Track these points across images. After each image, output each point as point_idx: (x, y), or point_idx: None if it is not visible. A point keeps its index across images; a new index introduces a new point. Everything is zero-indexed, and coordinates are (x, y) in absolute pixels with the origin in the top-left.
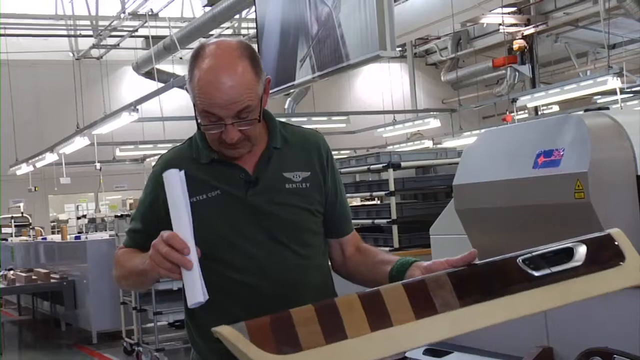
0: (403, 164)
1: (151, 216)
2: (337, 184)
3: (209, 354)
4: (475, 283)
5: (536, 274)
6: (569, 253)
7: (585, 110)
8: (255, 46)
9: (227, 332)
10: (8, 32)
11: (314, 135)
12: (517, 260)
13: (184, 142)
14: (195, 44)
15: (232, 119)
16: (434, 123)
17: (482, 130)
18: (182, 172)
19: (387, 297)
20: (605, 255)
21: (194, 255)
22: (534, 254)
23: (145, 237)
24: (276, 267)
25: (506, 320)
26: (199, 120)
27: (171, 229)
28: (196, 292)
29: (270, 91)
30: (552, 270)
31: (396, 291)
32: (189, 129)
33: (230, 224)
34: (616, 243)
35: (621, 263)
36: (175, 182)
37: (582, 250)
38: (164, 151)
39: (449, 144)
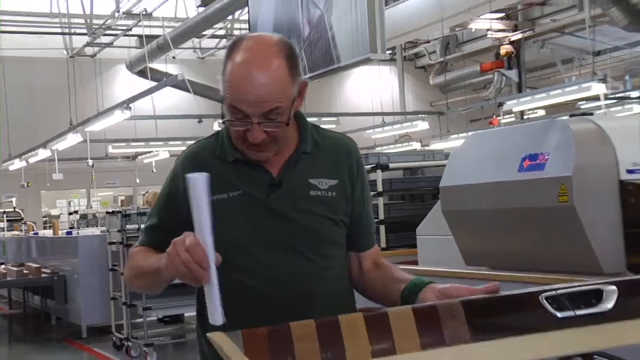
0: (391, 165)
1: (169, 210)
2: (365, 195)
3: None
4: (491, 317)
5: (559, 315)
6: (597, 294)
7: (570, 116)
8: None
9: (221, 341)
10: (3, 28)
11: (347, 141)
12: (540, 297)
13: (209, 136)
14: (188, 44)
15: (259, 118)
16: (422, 125)
17: (469, 134)
18: (207, 175)
19: (394, 322)
20: (636, 302)
21: (212, 269)
22: (558, 292)
23: (162, 233)
24: (287, 275)
25: None
26: (224, 115)
27: (190, 226)
28: (215, 312)
29: None
30: (576, 313)
31: (405, 315)
32: (181, 128)
33: (247, 226)
34: None
35: None
36: (200, 186)
37: (611, 294)
38: (156, 149)
39: (436, 146)
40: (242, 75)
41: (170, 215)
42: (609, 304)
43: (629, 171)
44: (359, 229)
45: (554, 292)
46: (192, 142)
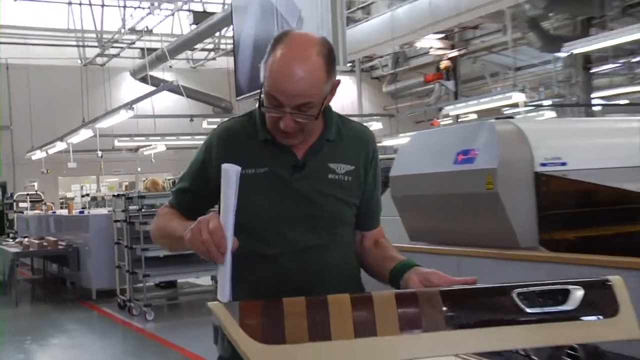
0: None
1: (201, 177)
2: (376, 181)
3: None
4: (466, 307)
5: (528, 310)
6: (564, 295)
7: (496, 119)
8: (232, 59)
9: (219, 310)
10: (28, 41)
11: (366, 132)
12: (512, 293)
13: (243, 115)
14: (182, 56)
15: (292, 109)
16: (376, 125)
17: (414, 133)
18: (239, 168)
19: (378, 305)
20: (600, 303)
21: (228, 253)
22: (530, 289)
23: (192, 196)
24: (302, 248)
25: (489, 350)
26: (262, 100)
27: (217, 193)
28: (224, 291)
29: (244, 95)
30: (544, 310)
31: (388, 300)
32: (175, 125)
33: (270, 201)
34: (614, 292)
35: (614, 315)
36: (232, 177)
37: (578, 294)
38: (155, 143)
39: (388, 142)
40: (282, 68)
41: (201, 182)
42: (574, 304)
43: (542, 164)
44: (367, 211)
45: (525, 289)
46: (185, 136)
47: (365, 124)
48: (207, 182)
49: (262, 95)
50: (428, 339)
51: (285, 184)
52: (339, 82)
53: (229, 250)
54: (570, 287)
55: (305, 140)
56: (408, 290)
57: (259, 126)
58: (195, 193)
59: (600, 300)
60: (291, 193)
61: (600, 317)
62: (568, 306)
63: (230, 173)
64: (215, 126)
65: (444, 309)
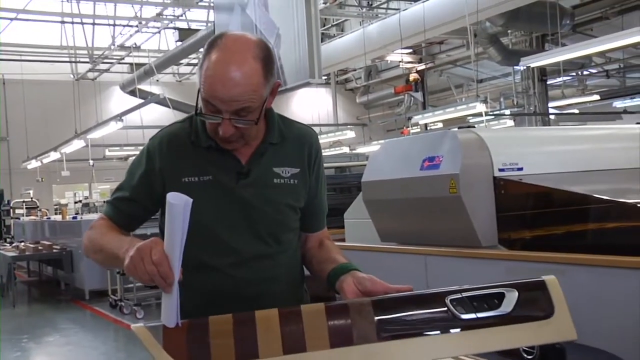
0: (326, 165)
1: (144, 185)
2: (319, 182)
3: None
4: (399, 317)
5: (463, 316)
6: (499, 298)
7: (459, 128)
8: None
9: (141, 333)
10: (23, 58)
11: (309, 132)
12: (446, 300)
13: (184, 120)
14: (169, 70)
15: (230, 114)
16: (350, 134)
17: (384, 141)
18: (191, 201)
19: (307, 319)
20: (534, 305)
21: (175, 284)
22: (463, 294)
23: (133, 205)
24: (247, 257)
25: None
26: (199, 106)
27: (162, 201)
28: (170, 316)
29: None
30: (478, 315)
31: (317, 313)
32: None
33: (215, 209)
34: (549, 293)
35: (549, 316)
36: (181, 210)
37: (512, 297)
38: None
39: (361, 150)
40: (217, 73)
41: (144, 191)
42: (508, 307)
43: (500, 169)
44: (310, 212)
45: (459, 294)
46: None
47: (340, 132)
48: (151, 191)
49: (199, 102)
50: (359, 353)
51: (230, 191)
52: (279, 84)
53: (176, 281)
54: (504, 290)
55: (248, 144)
56: (338, 302)
57: (201, 132)
58: (137, 202)
59: (535, 302)
60: (236, 200)
61: (535, 319)
62: (502, 310)
63: (180, 206)
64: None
65: (376, 319)
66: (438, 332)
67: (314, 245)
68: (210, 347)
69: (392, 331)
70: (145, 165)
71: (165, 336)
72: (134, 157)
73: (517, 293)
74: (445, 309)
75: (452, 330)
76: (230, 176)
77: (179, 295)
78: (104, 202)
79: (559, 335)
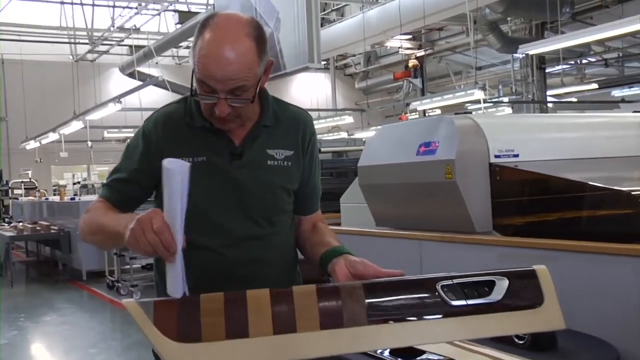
0: (323, 149)
1: (142, 164)
2: (312, 164)
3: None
4: (389, 301)
5: (453, 303)
6: (489, 286)
7: (455, 114)
8: None
9: (132, 308)
10: (23, 38)
11: (303, 115)
12: (437, 286)
13: (179, 101)
14: (168, 53)
15: (226, 94)
16: (348, 119)
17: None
18: (189, 164)
19: (298, 300)
20: (524, 294)
21: (179, 252)
22: (454, 281)
23: (131, 186)
24: (240, 238)
25: (412, 345)
26: (194, 87)
27: (160, 181)
28: (176, 286)
29: None
30: (468, 302)
31: (308, 295)
32: None
33: (208, 190)
34: (539, 282)
35: (538, 305)
36: (178, 173)
37: (502, 285)
38: None
39: (359, 135)
40: (212, 53)
41: (142, 171)
42: (499, 295)
43: (496, 156)
44: (303, 195)
45: (450, 281)
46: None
47: (338, 117)
48: (150, 169)
49: (194, 83)
50: (348, 335)
51: (224, 172)
52: (272, 62)
53: (179, 249)
54: (495, 278)
55: (243, 124)
56: (330, 284)
57: (195, 113)
58: (135, 183)
59: (525, 290)
60: (229, 181)
61: (525, 308)
62: (493, 298)
63: (177, 168)
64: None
65: (366, 302)
66: (428, 317)
67: (308, 228)
68: (201, 325)
69: (382, 315)
70: (143, 146)
71: (156, 312)
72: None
73: (507, 281)
74: (436, 294)
75: (441, 316)
76: (224, 157)
77: (183, 263)
78: (102, 184)
79: (547, 324)
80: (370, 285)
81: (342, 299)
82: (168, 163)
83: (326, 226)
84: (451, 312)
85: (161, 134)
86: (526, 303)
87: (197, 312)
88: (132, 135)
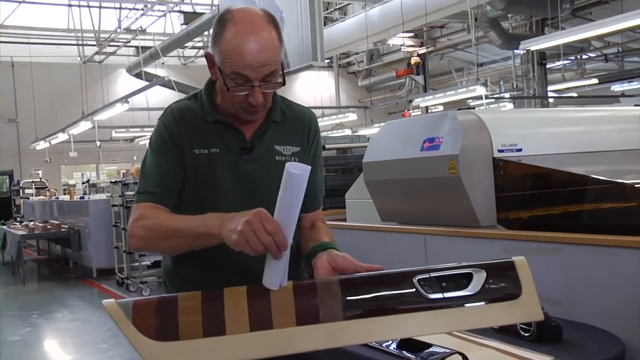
0: (327, 146)
1: (178, 158)
2: (316, 161)
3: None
4: (365, 296)
5: (430, 296)
6: (467, 278)
7: (458, 109)
8: None
9: (111, 308)
10: (32, 40)
11: (308, 113)
12: (413, 279)
13: (189, 97)
14: (174, 53)
15: (260, 81)
16: (352, 116)
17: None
18: (309, 168)
19: (275, 297)
20: (502, 286)
21: (288, 249)
22: (431, 274)
23: (175, 182)
24: None
25: (388, 339)
26: (226, 83)
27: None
28: (274, 279)
29: None
30: (445, 295)
31: (285, 291)
32: None
33: (219, 181)
34: (517, 274)
35: (516, 297)
36: (300, 179)
37: (480, 278)
38: (149, 134)
39: (363, 132)
40: (242, 44)
41: (180, 165)
42: (476, 288)
43: (500, 150)
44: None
45: (427, 274)
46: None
47: (342, 115)
48: (183, 162)
49: (224, 78)
50: (324, 330)
51: (234, 165)
52: (285, 51)
53: (289, 247)
54: (472, 270)
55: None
56: (307, 281)
57: (207, 107)
58: (177, 179)
59: (503, 282)
60: (239, 174)
61: (503, 299)
62: (470, 290)
63: (297, 176)
64: None
65: (343, 298)
66: (404, 311)
67: (306, 225)
68: (178, 323)
69: (358, 309)
70: (169, 137)
71: (134, 312)
72: (139, 138)
73: (485, 273)
74: (413, 288)
75: (418, 310)
76: (235, 150)
77: (288, 258)
78: (114, 181)
79: (525, 315)
80: (346, 281)
81: (318, 295)
82: (292, 167)
83: (325, 226)
84: (428, 306)
85: (180, 125)
86: (504, 295)
87: (174, 311)
88: (141, 134)
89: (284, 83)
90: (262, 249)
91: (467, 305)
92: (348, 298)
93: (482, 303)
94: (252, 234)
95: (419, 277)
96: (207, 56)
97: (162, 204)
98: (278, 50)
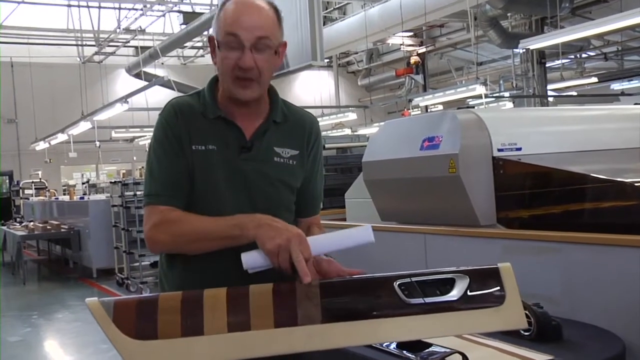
0: (327, 146)
1: (185, 153)
2: (315, 167)
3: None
4: (344, 300)
5: (410, 301)
6: (449, 284)
7: (458, 109)
8: None
9: (93, 307)
10: (31, 41)
11: (310, 117)
12: (394, 284)
13: (191, 94)
14: (173, 53)
15: (252, 46)
16: (351, 116)
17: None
18: (372, 233)
19: (254, 299)
20: (485, 293)
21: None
22: (412, 279)
23: (185, 180)
24: None
25: (365, 344)
26: (219, 46)
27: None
28: (255, 264)
29: None
30: (425, 300)
31: (264, 293)
32: None
33: (215, 180)
34: (502, 280)
35: (499, 304)
36: (361, 238)
37: (463, 284)
38: (149, 134)
39: (362, 131)
40: (239, 8)
41: (187, 161)
42: (457, 293)
43: (499, 150)
44: (303, 197)
45: (408, 279)
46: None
47: (341, 114)
48: (184, 156)
49: (217, 46)
50: (302, 333)
51: (232, 164)
52: (285, 44)
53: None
54: (456, 276)
55: (254, 120)
56: (286, 283)
57: (209, 104)
58: (186, 176)
59: (486, 289)
60: (236, 173)
61: (485, 306)
62: (452, 296)
63: (363, 235)
64: None
65: (321, 301)
66: (383, 315)
67: (302, 229)
68: (158, 323)
69: (336, 313)
70: (171, 132)
71: (115, 311)
72: (139, 138)
73: (468, 279)
74: (394, 293)
75: (398, 315)
76: (233, 149)
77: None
78: (114, 181)
79: (507, 323)
80: (326, 285)
81: (297, 298)
82: (365, 230)
83: (320, 231)
84: (408, 311)
85: (180, 120)
86: (486, 302)
87: (154, 311)
88: (141, 135)
89: (275, 52)
90: (286, 267)
91: (448, 311)
92: (326, 301)
93: (464, 309)
94: (287, 252)
95: (400, 282)
96: (210, 40)
97: (175, 206)
98: (274, 25)
